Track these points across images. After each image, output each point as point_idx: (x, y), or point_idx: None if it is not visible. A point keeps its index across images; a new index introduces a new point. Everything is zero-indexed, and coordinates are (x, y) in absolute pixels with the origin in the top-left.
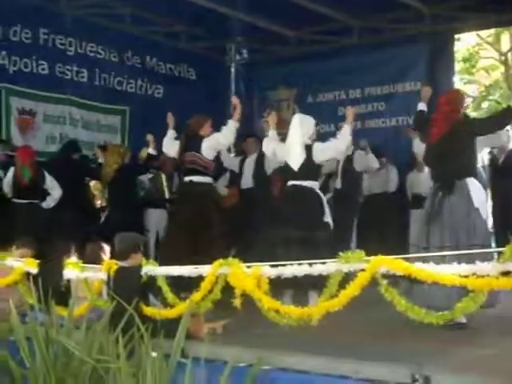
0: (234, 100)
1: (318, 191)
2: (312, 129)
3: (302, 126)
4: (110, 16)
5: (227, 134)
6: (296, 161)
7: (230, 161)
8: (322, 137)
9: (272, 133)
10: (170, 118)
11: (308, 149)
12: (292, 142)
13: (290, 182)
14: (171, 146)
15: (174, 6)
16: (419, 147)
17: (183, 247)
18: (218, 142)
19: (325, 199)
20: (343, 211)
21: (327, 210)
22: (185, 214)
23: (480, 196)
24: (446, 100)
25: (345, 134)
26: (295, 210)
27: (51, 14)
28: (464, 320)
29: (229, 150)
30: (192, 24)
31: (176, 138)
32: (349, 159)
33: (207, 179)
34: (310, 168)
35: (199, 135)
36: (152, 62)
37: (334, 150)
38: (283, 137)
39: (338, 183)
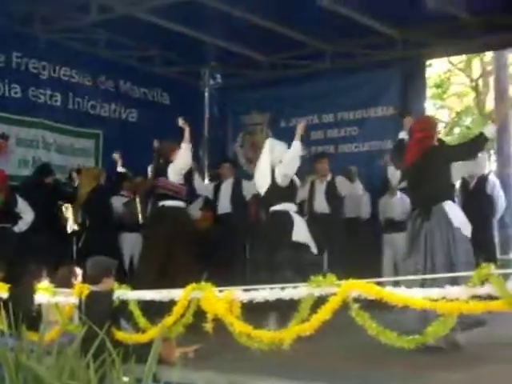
0: (181, 122)
1: (292, 213)
2: (283, 154)
3: (272, 151)
4: (84, 40)
5: (183, 157)
6: (262, 186)
7: (202, 187)
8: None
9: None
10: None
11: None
12: (260, 167)
13: (268, 207)
14: None
15: (148, 30)
16: (394, 174)
17: (156, 272)
18: (177, 166)
19: (301, 220)
20: (327, 234)
21: (304, 230)
22: (157, 238)
23: (460, 216)
24: (418, 127)
25: (296, 146)
26: (267, 233)
27: (25, 37)
28: (442, 345)
29: (202, 177)
30: (166, 49)
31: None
32: (332, 184)
33: (179, 203)
34: (280, 192)
35: (170, 160)
36: (126, 86)
37: (289, 164)
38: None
39: (323, 207)
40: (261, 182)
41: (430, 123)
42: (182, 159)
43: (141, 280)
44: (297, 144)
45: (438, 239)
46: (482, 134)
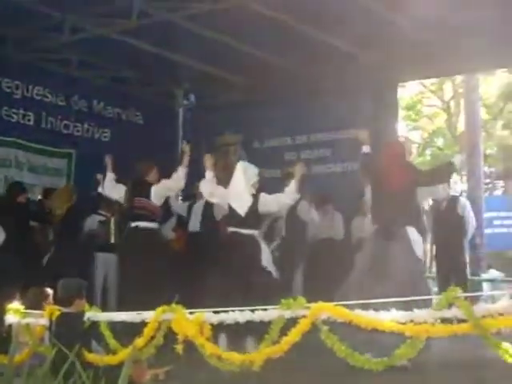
0: (184, 146)
1: (258, 238)
2: (255, 178)
3: (245, 174)
4: (57, 60)
5: (177, 180)
6: (243, 207)
7: (178, 205)
8: (268, 182)
9: (208, 174)
10: (109, 161)
11: (252, 198)
12: (238, 190)
13: (231, 229)
14: (113, 188)
15: (122, 51)
16: (369, 194)
17: (131, 293)
18: (168, 188)
19: (265, 246)
20: (290, 258)
21: (266, 255)
22: (132, 259)
23: (420, 245)
24: (393, 152)
25: (291, 190)
26: (234, 256)
27: None
28: (406, 363)
29: (177, 196)
30: (140, 69)
31: (116, 181)
32: (293, 207)
33: (153, 225)
34: (251, 216)
35: (146, 181)
36: (99, 105)
37: (278, 204)
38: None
39: (283, 231)
40: (241, 204)
41: (402, 146)
42: (175, 182)
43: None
44: (294, 185)
45: (401, 263)
46: (451, 162)
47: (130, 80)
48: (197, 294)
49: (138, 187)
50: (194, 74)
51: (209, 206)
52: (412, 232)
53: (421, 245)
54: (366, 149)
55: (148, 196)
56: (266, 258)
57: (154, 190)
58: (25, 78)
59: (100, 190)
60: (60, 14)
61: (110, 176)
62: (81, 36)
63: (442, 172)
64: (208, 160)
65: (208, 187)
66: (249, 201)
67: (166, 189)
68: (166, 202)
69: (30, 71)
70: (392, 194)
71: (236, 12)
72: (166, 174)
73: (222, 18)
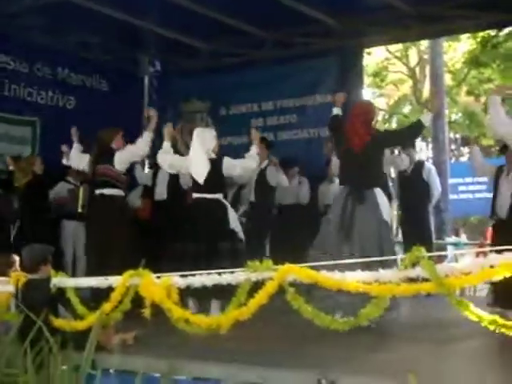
0: (149, 111)
1: (224, 201)
2: (213, 142)
3: (202, 139)
4: (20, 26)
5: (142, 146)
6: (201, 174)
7: (142, 175)
8: (235, 148)
9: (166, 144)
10: (75, 132)
11: (213, 162)
12: (194, 156)
13: (195, 195)
14: (79, 159)
15: (86, 16)
16: (337, 163)
17: (96, 260)
18: (132, 154)
19: (230, 209)
20: (258, 223)
21: (233, 218)
22: (97, 226)
23: (387, 208)
24: (358, 111)
25: (252, 154)
26: (200, 221)
27: None
28: (373, 325)
29: (143, 165)
30: (104, 35)
31: (83, 151)
32: (262, 172)
33: (119, 192)
34: (215, 181)
35: (111, 148)
36: (63, 73)
37: (241, 168)
38: None
39: (251, 196)
40: (198, 171)
41: (369, 109)
42: (139, 148)
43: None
44: (254, 150)
45: (369, 225)
46: (419, 121)
47: (95, 46)
48: (163, 261)
49: (102, 154)
50: (160, 40)
51: (174, 175)
52: (379, 194)
53: (388, 207)
54: (336, 111)
55: (111, 162)
56: (234, 220)
57: (117, 155)
58: None
59: (64, 161)
60: None
61: (77, 147)
62: (43, 1)
63: (411, 131)
64: (166, 129)
65: (165, 158)
66: (207, 166)
67: (129, 154)
68: (131, 170)
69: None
70: (358, 154)
71: None
72: (132, 141)
73: None
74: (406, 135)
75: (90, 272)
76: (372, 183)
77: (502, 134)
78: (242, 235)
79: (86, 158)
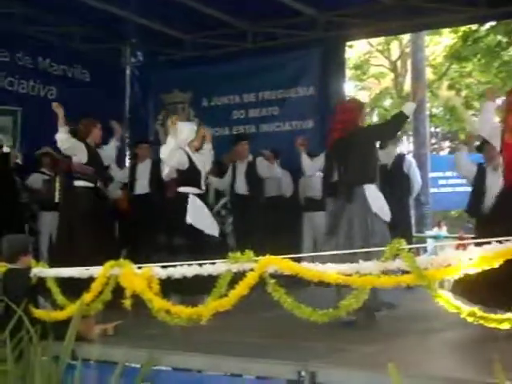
0: (113, 124)
1: (190, 195)
2: (191, 135)
3: (179, 132)
4: (1, 14)
5: (109, 152)
6: (172, 167)
7: (120, 174)
8: (217, 139)
9: (171, 140)
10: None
11: (189, 156)
12: (164, 147)
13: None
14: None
15: (68, 6)
16: (306, 161)
17: (64, 251)
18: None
19: (196, 203)
20: (247, 215)
21: (193, 213)
22: (64, 217)
23: (378, 201)
24: (342, 108)
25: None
26: (163, 215)
27: None
28: (353, 318)
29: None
30: (86, 25)
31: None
32: (251, 165)
33: (86, 183)
34: (185, 175)
35: (87, 140)
36: (45, 62)
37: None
38: None
39: (243, 189)
40: (171, 163)
41: (354, 105)
42: (107, 153)
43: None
44: (209, 146)
45: (357, 223)
46: (401, 112)
47: (77, 36)
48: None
49: None
50: (142, 31)
51: (155, 167)
52: (369, 189)
53: (380, 201)
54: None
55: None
56: (194, 215)
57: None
58: None
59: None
60: None
61: (64, 130)
62: None
63: (394, 122)
64: (170, 123)
65: (173, 154)
66: (181, 159)
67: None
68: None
69: None
70: (347, 153)
71: None
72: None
73: None
74: (390, 128)
75: (55, 262)
76: (360, 180)
77: (487, 134)
78: (211, 230)
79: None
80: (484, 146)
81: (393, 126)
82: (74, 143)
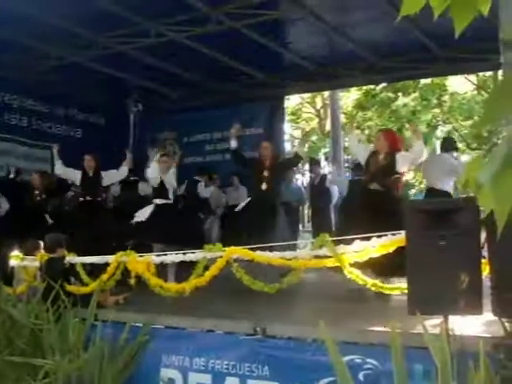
0: (127, 154)
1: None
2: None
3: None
4: (43, 81)
5: (121, 174)
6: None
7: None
8: (196, 165)
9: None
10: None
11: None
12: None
13: None
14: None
15: (89, 74)
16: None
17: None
18: (113, 177)
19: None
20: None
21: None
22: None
23: None
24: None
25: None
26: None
27: (1, 78)
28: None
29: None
30: (102, 85)
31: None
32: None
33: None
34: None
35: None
36: (73, 111)
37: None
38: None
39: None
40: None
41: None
42: (119, 174)
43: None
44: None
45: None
46: (296, 153)
47: (95, 92)
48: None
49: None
50: (141, 89)
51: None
52: None
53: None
54: (233, 143)
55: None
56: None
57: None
58: (19, 92)
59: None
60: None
61: (59, 162)
62: (61, 63)
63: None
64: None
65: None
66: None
67: (112, 177)
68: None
69: (22, 87)
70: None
71: (170, 45)
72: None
73: (163, 49)
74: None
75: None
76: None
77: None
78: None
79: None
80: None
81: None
82: (66, 170)
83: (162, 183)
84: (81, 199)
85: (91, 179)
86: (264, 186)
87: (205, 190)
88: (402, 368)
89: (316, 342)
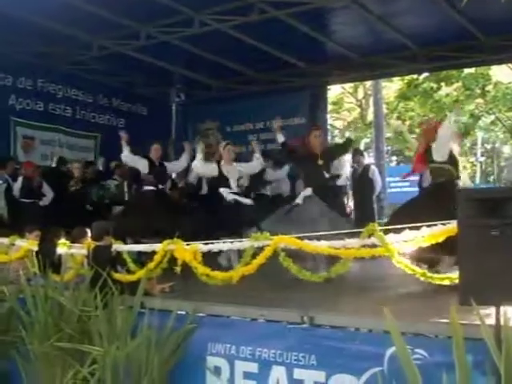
0: (186, 145)
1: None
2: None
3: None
4: (88, 70)
5: (181, 164)
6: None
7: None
8: (237, 155)
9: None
10: (124, 136)
11: None
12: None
13: None
14: (132, 159)
15: (134, 63)
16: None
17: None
18: (174, 167)
19: None
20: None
21: None
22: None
23: None
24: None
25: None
26: None
27: (46, 68)
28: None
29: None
30: (145, 75)
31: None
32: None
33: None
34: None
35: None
36: (117, 102)
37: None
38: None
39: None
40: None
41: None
42: (180, 165)
43: None
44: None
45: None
46: (348, 138)
47: (139, 83)
48: None
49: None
50: (183, 79)
51: None
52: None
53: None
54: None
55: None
56: None
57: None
58: (64, 83)
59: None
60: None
61: (127, 149)
62: (104, 53)
63: (344, 147)
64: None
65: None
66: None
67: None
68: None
69: (68, 78)
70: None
71: (213, 35)
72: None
73: (206, 39)
74: (341, 150)
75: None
76: None
77: None
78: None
79: (136, 159)
80: None
81: (343, 149)
82: (133, 158)
83: (220, 173)
84: (150, 188)
85: (158, 168)
86: (326, 175)
87: (274, 174)
88: (464, 361)
89: (361, 331)
